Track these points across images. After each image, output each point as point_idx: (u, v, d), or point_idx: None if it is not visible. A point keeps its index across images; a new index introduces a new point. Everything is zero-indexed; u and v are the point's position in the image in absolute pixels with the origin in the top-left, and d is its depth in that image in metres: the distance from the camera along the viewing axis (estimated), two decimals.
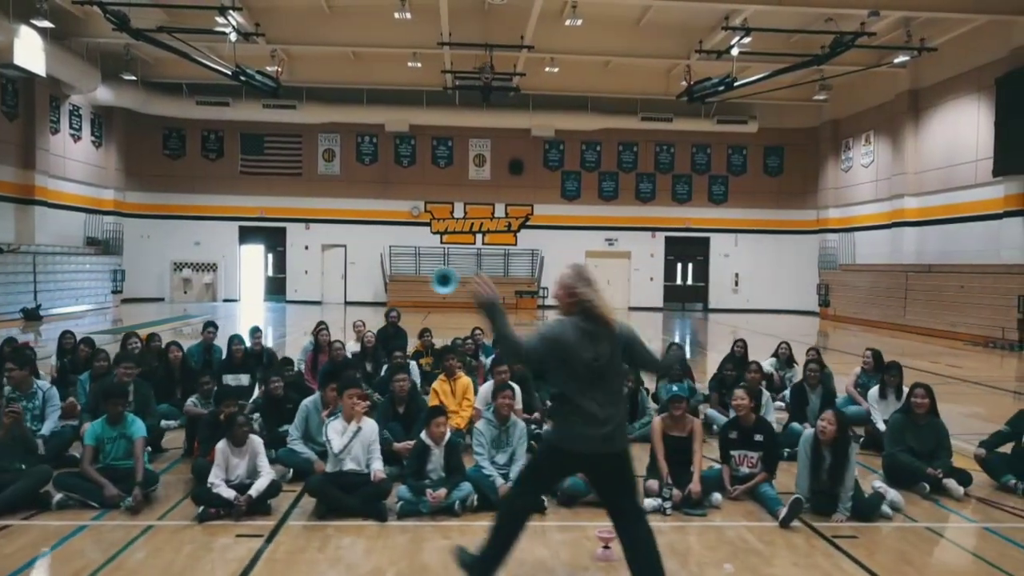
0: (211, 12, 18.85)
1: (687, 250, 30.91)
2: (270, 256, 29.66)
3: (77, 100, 24.59)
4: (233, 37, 19.68)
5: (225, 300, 28.67)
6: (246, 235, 29.23)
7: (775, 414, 7.88)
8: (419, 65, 24.06)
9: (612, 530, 4.76)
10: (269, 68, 23.01)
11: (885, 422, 7.17)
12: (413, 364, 8.96)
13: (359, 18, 22.16)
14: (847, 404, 8.93)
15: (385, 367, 8.99)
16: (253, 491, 5.40)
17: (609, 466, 3.92)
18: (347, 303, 28.97)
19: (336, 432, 5.68)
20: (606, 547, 4.79)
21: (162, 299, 28.06)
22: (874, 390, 8.01)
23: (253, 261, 29.50)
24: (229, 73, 20.84)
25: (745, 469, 6.07)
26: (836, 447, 5.51)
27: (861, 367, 9.25)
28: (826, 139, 28.79)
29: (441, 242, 29.71)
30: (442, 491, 5.50)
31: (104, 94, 24.56)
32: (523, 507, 4.08)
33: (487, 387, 7.46)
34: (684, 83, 23.06)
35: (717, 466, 6.19)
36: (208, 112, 27.18)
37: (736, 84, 21.47)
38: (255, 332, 9.56)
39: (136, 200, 28.04)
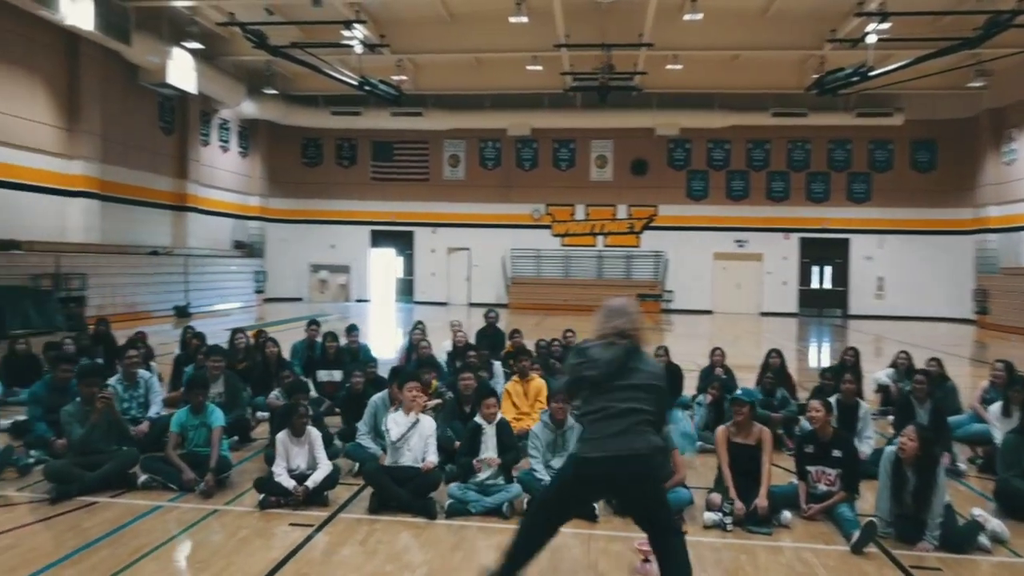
0: (341, 27, 19.84)
1: (824, 252, 29.09)
2: (399, 259, 30.78)
3: (225, 114, 26.67)
4: (359, 49, 20.59)
5: (358, 301, 30.07)
6: (377, 239, 30.52)
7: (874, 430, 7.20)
8: (539, 68, 24.14)
9: None
10: (395, 78, 23.97)
11: None
12: (498, 365, 8.96)
13: (479, 24, 22.53)
14: (972, 421, 8.07)
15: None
16: (310, 482, 5.59)
17: (631, 485, 3.78)
18: (471, 305, 29.55)
19: (395, 423, 5.79)
20: (645, 560, 4.55)
21: (300, 299, 29.83)
22: (996, 406, 7.17)
23: (384, 264, 30.72)
24: (356, 84, 21.85)
25: (823, 487, 5.57)
26: (920, 467, 4.95)
27: (990, 380, 8.29)
28: (985, 130, 26.14)
29: (562, 244, 29.68)
30: (496, 459, 5.53)
31: (249, 108, 26.48)
32: (543, 524, 3.95)
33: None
34: (814, 75, 21.74)
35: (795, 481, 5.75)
36: (342, 122, 28.63)
37: (873, 74, 19.97)
38: (352, 330, 9.92)
39: (278, 206, 30.02)
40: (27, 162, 17.65)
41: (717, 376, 8.79)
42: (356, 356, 9.57)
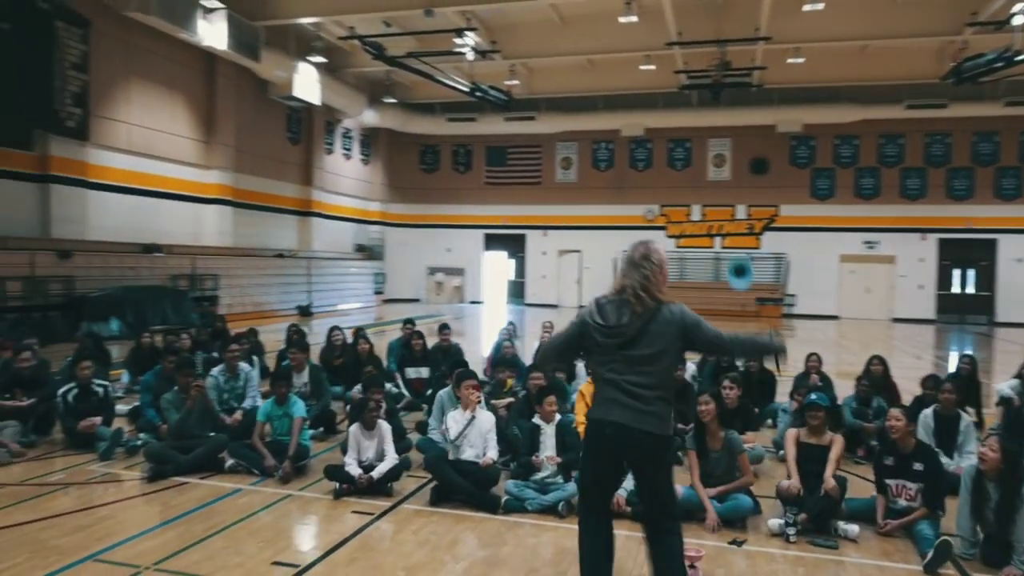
0: (452, 35, 20.38)
1: (967, 254, 26.84)
2: (511, 261, 31.18)
3: (348, 124, 28.01)
4: (471, 56, 21.08)
5: (471, 302, 30.72)
6: (490, 242, 31.06)
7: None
8: (652, 68, 23.76)
9: (699, 550, 4.44)
10: (508, 82, 24.35)
11: None
12: (581, 366, 8.91)
13: (589, 26, 22.44)
14: None
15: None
16: (375, 472, 5.81)
17: (634, 445, 3.56)
18: (581, 308, 29.43)
19: (454, 421, 5.93)
20: (691, 566, 4.42)
21: (418, 300, 30.83)
22: None
23: (497, 266, 31.22)
24: (467, 90, 22.36)
25: (903, 502, 5.19)
26: (1004, 482, 4.51)
27: None
28: None
29: (677, 246, 29.00)
30: (556, 458, 5.54)
31: (370, 117, 27.68)
32: (590, 515, 3.79)
33: None
34: (952, 63, 20.12)
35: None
36: (458, 128, 29.39)
37: (1020, 58, 18.25)
38: (443, 329, 10.19)
39: (398, 211, 31.18)
40: (169, 172, 19.31)
41: (812, 383, 8.35)
42: (448, 354, 9.81)
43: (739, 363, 9.06)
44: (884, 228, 27.18)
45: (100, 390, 7.09)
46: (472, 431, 5.93)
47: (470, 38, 20.52)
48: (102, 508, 5.45)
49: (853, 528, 5.04)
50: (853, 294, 27.63)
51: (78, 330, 14.10)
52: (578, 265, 29.97)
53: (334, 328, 10.00)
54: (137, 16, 16.59)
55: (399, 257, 30.72)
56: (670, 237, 29.09)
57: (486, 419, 6.04)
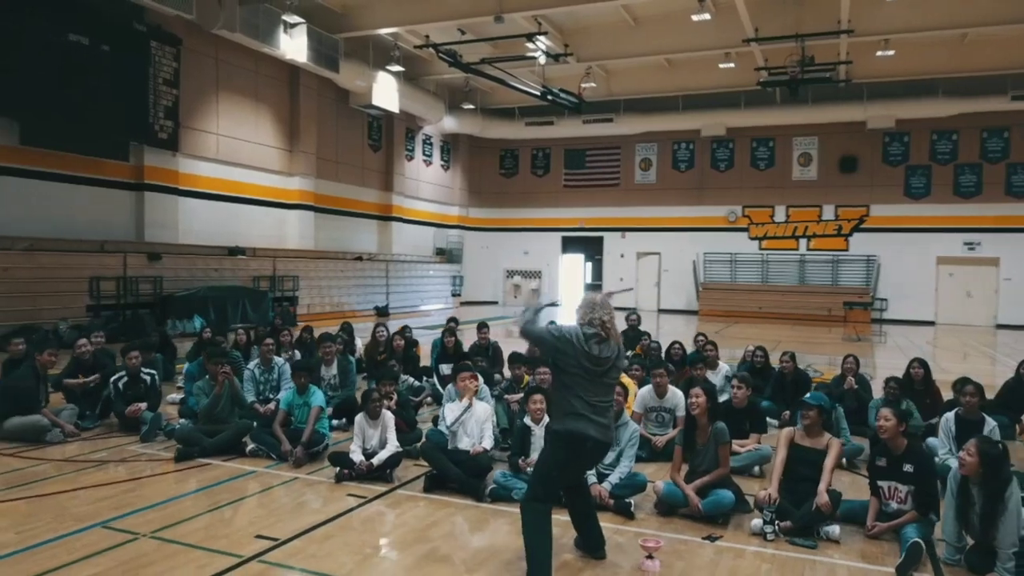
0: (524, 40, 20.64)
1: None
2: (588, 264, 31.13)
3: (429, 130, 28.77)
4: (542, 60, 21.29)
5: (548, 305, 30.78)
6: (568, 244, 31.15)
7: None
8: (732, 66, 23.25)
9: (658, 541, 4.47)
10: (585, 85, 24.42)
11: None
12: None
13: (663, 26, 22.19)
14: None
15: None
16: (376, 459, 6.08)
17: (600, 453, 4.50)
18: (660, 311, 29.09)
19: (450, 410, 6.14)
20: (649, 557, 4.44)
21: (496, 302, 31.27)
22: None
23: (573, 269, 31.25)
24: (538, 94, 22.56)
25: (895, 504, 5.00)
26: (985, 486, 4.29)
27: None
28: None
29: (760, 248, 28.20)
30: (533, 458, 5.63)
31: (450, 123, 28.34)
32: (548, 506, 4.25)
33: (646, 390, 7.22)
34: None
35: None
36: (536, 132, 29.65)
37: None
38: (482, 327, 10.41)
39: (477, 215, 31.75)
40: (253, 180, 20.49)
41: (847, 387, 8.07)
42: (486, 352, 10.03)
43: (775, 366, 8.86)
44: (987, 228, 25.50)
45: (147, 378, 7.70)
46: (469, 420, 6.12)
47: (542, 42, 20.73)
48: (127, 483, 5.96)
49: (834, 529, 4.90)
50: (952, 298, 26.04)
51: (165, 326, 15.21)
52: (657, 268, 29.60)
53: (379, 325, 10.40)
54: (223, 33, 17.71)
55: (477, 260, 31.26)
56: (752, 239, 28.33)
57: (482, 409, 6.22)
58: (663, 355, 9.68)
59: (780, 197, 27.99)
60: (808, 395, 5.42)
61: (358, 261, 23.64)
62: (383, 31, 21.64)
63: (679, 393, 7.13)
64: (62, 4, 14.94)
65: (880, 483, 5.07)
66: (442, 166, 30.36)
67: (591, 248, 30.84)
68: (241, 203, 20.07)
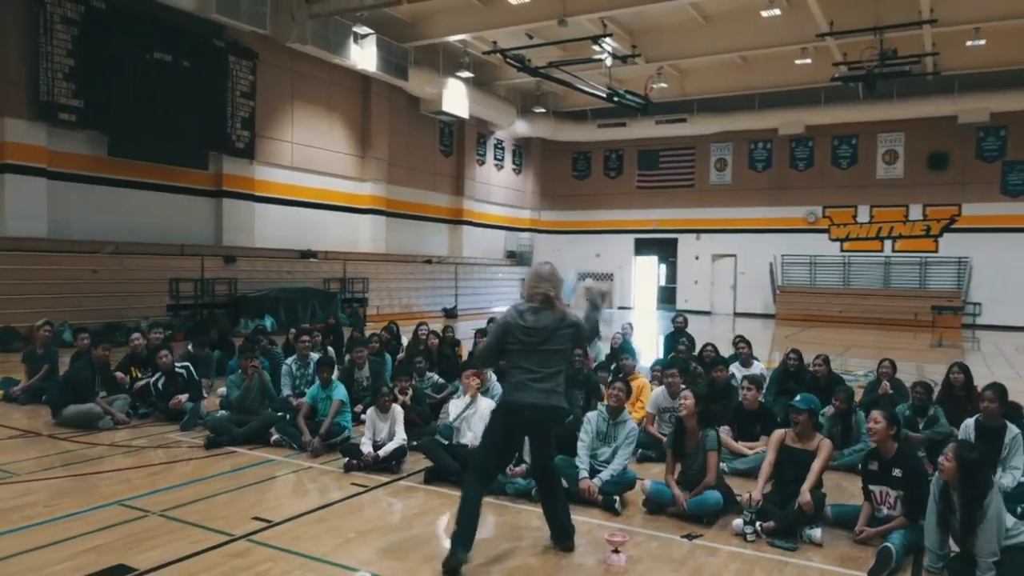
0: (590, 42, 20.66)
1: None
2: (662, 266, 30.74)
3: (500, 134, 29.15)
4: (609, 62, 21.24)
5: (620, 308, 30.63)
6: (641, 247, 30.84)
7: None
8: (808, 61, 22.50)
9: (624, 536, 4.51)
10: (656, 85, 24.22)
11: None
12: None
13: (733, 22, 21.71)
14: None
15: None
16: (382, 451, 6.33)
17: (544, 419, 4.51)
18: (736, 314, 28.40)
19: (454, 406, 6.33)
20: (615, 551, 4.48)
21: (567, 305, 31.16)
22: None
23: (647, 271, 30.92)
24: (604, 96, 22.50)
25: (885, 510, 4.84)
26: (964, 493, 4.11)
27: None
28: None
29: (841, 250, 27.11)
30: (520, 469, 5.71)
31: (521, 127, 28.62)
32: (481, 469, 4.60)
33: (660, 391, 7.19)
34: None
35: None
36: (609, 134, 29.53)
37: None
38: None
39: (549, 218, 31.90)
40: (326, 186, 21.35)
41: (882, 391, 7.77)
42: None
43: (810, 368, 8.62)
44: None
45: (183, 372, 8.23)
46: (473, 417, 6.29)
47: (608, 44, 20.69)
48: (157, 467, 6.44)
49: (816, 532, 4.79)
50: None
51: (238, 325, 16.09)
52: (733, 270, 28.92)
53: (421, 323, 10.71)
54: (296, 46, 18.58)
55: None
56: (834, 240, 27.28)
57: (486, 406, 6.35)
58: (696, 356, 9.55)
59: (863, 196, 26.83)
60: (798, 398, 5.31)
61: (427, 264, 24.21)
62: (451, 38, 22.14)
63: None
64: (147, 25, 16.07)
65: (871, 487, 4.92)
66: (514, 169, 30.68)
67: (665, 250, 30.44)
68: (314, 208, 20.96)
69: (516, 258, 30.02)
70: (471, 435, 6.25)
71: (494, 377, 7.59)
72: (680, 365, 7.36)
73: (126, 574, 4.22)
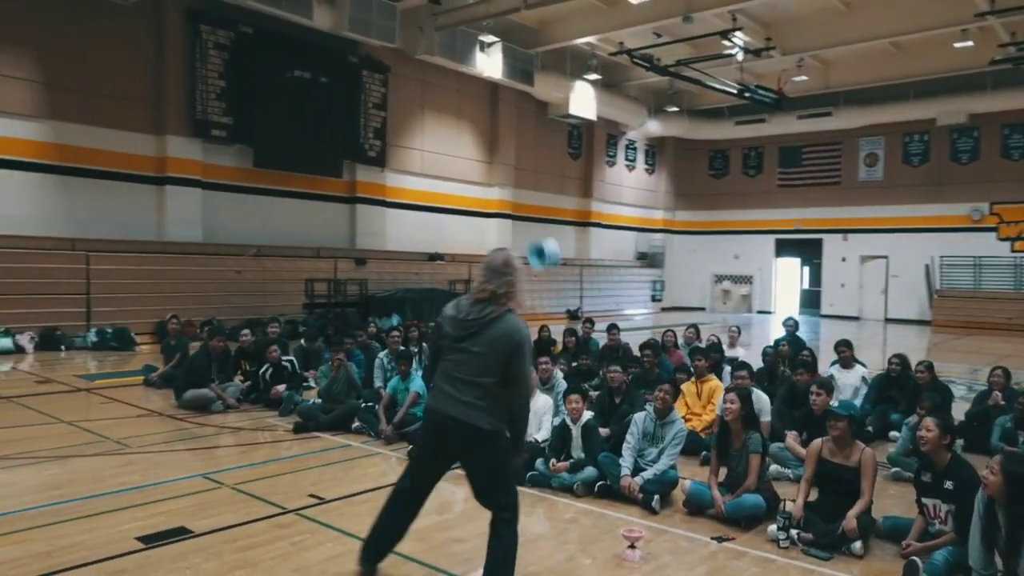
0: (719, 37, 20.05)
1: None
2: (805, 269, 29.12)
3: (632, 135, 28.86)
4: (740, 57, 20.54)
5: (759, 312, 29.35)
6: (782, 248, 29.38)
7: None
8: (969, 44, 20.57)
9: (640, 531, 4.50)
10: (797, 78, 23.14)
11: None
12: (727, 368, 8.61)
13: (879, 6, 20.19)
14: None
15: None
16: None
17: (461, 438, 3.64)
18: (887, 320, 26.36)
19: None
20: (631, 546, 4.45)
21: (703, 308, 30.35)
22: None
23: (788, 274, 29.42)
24: (735, 92, 21.71)
25: (937, 524, 4.45)
26: (1010, 510, 3.71)
27: None
28: None
29: (1012, 250, 24.44)
30: (563, 464, 5.76)
31: (654, 126, 28.20)
32: (403, 488, 3.97)
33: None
34: None
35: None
36: (747, 131, 28.42)
37: None
38: (612, 329, 10.53)
39: (684, 218, 31.13)
40: (454, 191, 22.15)
41: (993, 401, 7.07)
42: (616, 352, 10.13)
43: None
44: None
45: (288, 365, 8.94)
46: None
47: (739, 38, 20.01)
48: (246, 446, 7.09)
49: (856, 544, 4.49)
50: None
51: (367, 324, 17.06)
52: (884, 272, 26.88)
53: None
54: (425, 57, 19.45)
55: (683, 264, 30.62)
56: (1003, 240, 24.67)
57: (543, 402, 6.47)
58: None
59: None
60: (836, 404, 4.99)
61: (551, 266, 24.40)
62: (577, 42, 22.24)
63: (764, 397, 6.80)
64: (288, 45, 17.46)
65: (924, 500, 4.55)
66: (646, 170, 30.26)
67: (808, 251, 28.81)
68: (442, 213, 21.81)
69: (648, 259, 29.57)
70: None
71: (559, 374, 7.67)
72: (748, 368, 7.07)
73: (183, 535, 4.72)
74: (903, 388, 7.86)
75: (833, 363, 8.85)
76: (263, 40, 17.05)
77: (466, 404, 3.60)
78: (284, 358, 8.99)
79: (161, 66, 15.71)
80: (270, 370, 8.87)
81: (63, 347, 13.53)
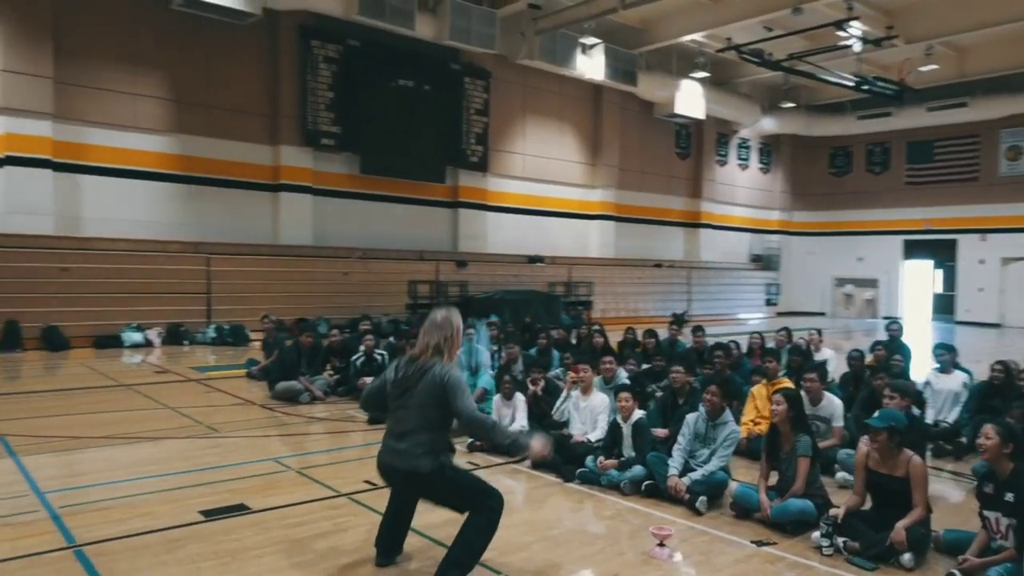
0: (833, 28, 19.11)
1: None
2: (938, 272, 27.07)
3: (745, 133, 27.89)
4: (857, 48, 19.47)
5: (885, 317, 27.51)
6: (911, 249, 27.47)
7: None
8: None
9: (669, 530, 4.45)
10: (925, 68, 21.72)
11: None
12: None
13: None
14: None
15: None
16: None
17: (406, 486, 4.03)
18: None
19: (562, 398, 6.51)
20: (661, 544, 4.37)
21: (823, 313, 28.85)
22: None
23: (919, 277, 27.45)
24: (852, 85, 20.56)
25: (999, 539, 4.09)
26: None
27: None
28: None
29: None
30: (611, 461, 5.71)
31: (768, 124, 27.15)
32: (392, 501, 4.25)
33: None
34: None
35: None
36: (871, 126, 26.85)
37: None
38: (697, 331, 10.34)
39: (802, 219, 29.73)
40: (556, 194, 22.25)
41: None
42: (700, 355, 9.90)
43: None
44: None
45: (379, 357, 9.32)
46: (585, 409, 6.43)
47: (856, 28, 18.98)
48: (321, 435, 7.49)
49: (906, 556, 4.19)
50: None
51: (466, 325, 17.46)
52: None
53: (593, 324, 10.90)
54: (526, 62, 19.69)
55: (801, 267, 29.23)
56: None
57: (600, 401, 6.45)
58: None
59: None
60: (876, 414, 4.66)
61: (656, 268, 24.01)
62: (683, 39, 21.79)
63: (836, 401, 6.48)
64: (392, 56, 18.17)
65: (987, 513, 4.18)
66: (761, 169, 29.15)
67: (941, 253, 26.78)
68: (544, 215, 21.95)
69: (763, 262, 28.45)
70: (580, 427, 6.43)
71: (623, 373, 7.58)
72: (821, 370, 6.72)
73: (241, 511, 5.07)
74: (1006, 397, 7.20)
75: (935, 368, 8.25)
76: (369, 52, 17.84)
77: (404, 453, 3.86)
78: (376, 351, 9.41)
79: (276, 80, 16.78)
80: (362, 358, 9.30)
81: (186, 342, 14.72)
